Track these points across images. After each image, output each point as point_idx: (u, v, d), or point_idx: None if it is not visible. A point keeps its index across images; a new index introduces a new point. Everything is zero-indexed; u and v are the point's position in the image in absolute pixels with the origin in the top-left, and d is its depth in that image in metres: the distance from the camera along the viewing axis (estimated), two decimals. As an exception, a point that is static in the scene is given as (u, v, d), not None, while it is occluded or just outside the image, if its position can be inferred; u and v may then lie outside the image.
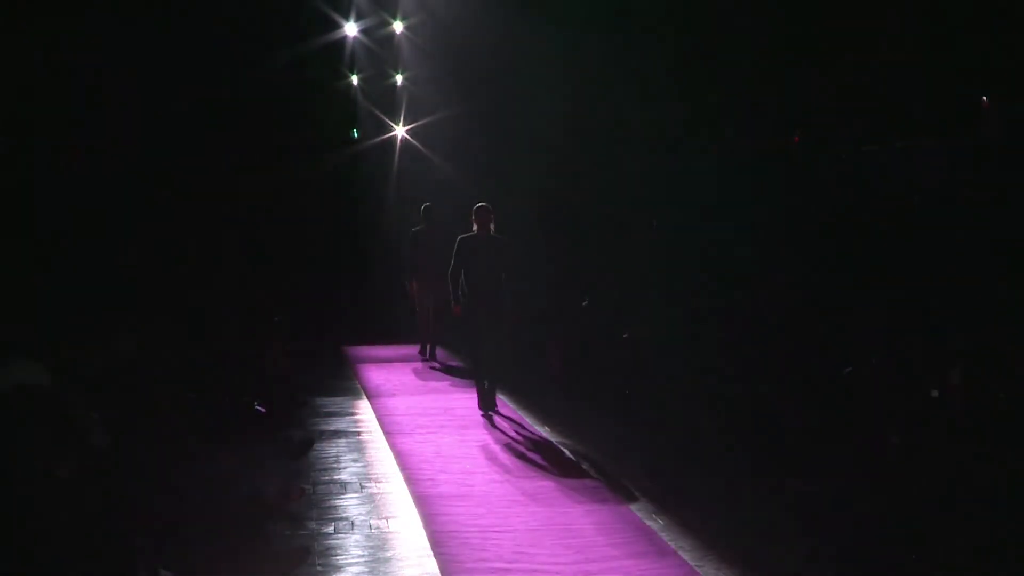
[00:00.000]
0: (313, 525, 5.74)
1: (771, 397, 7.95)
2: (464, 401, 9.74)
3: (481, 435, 8.25)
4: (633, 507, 6.04)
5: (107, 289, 8.32)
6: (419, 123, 16.59)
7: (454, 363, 12.20)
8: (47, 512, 4.18)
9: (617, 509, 6.04)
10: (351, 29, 15.97)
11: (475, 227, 9.11)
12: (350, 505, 6.15)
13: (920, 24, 8.56)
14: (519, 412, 9.13)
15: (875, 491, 6.05)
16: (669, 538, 5.44)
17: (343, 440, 8.08)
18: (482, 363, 9.22)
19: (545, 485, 6.59)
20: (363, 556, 5.20)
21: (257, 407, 8.76)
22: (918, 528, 5.39)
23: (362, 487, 6.59)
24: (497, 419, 8.88)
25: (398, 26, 16.01)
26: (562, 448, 7.67)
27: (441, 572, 4.97)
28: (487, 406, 9.12)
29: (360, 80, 17.09)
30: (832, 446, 6.91)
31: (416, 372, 11.72)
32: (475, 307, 9.02)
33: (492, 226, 9.12)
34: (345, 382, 11.31)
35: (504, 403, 9.53)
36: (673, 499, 6.14)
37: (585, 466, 7.08)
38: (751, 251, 9.70)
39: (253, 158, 13.63)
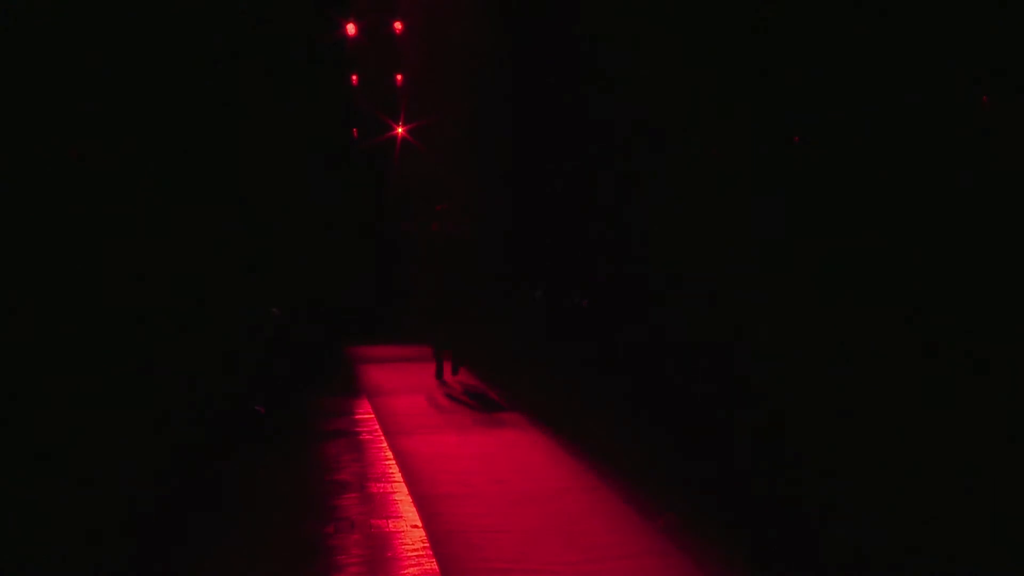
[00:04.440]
0: (313, 525, 5.73)
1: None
2: (465, 401, 9.77)
3: (481, 435, 8.25)
4: (633, 507, 6.03)
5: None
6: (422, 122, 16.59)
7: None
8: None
9: (618, 509, 6.03)
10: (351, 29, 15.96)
11: (434, 226, 10.68)
12: (350, 505, 6.15)
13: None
14: (520, 412, 9.13)
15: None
16: (670, 538, 5.44)
17: (343, 440, 8.08)
18: (440, 343, 10.92)
19: (545, 485, 6.59)
20: (363, 556, 5.19)
21: (256, 407, 8.78)
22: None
23: (362, 487, 6.58)
24: (497, 419, 8.89)
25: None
26: (563, 448, 7.67)
27: (441, 572, 4.97)
28: (452, 372, 10.87)
29: (360, 80, 17.10)
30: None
31: (416, 373, 11.71)
32: (437, 296, 10.71)
33: (451, 223, 10.68)
34: (345, 382, 11.32)
35: (505, 403, 9.55)
36: (674, 498, 6.13)
37: (586, 466, 7.08)
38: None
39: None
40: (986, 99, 7.75)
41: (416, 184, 16.22)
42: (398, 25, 16.11)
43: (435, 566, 5.04)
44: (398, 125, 17.02)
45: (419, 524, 5.72)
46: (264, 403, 9.14)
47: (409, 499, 6.25)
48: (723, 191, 10.58)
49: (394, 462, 7.25)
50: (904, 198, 8.23)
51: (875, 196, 8.45)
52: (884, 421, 6.92)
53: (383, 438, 8.11)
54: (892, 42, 8.29)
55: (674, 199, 11.44)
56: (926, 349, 7.31)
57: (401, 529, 5.66)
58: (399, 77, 17.09)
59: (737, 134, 10.49)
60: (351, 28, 15.95)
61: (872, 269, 8.36)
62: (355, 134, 18.77)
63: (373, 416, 9.08)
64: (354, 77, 17.40)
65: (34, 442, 6.29)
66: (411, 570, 5.01)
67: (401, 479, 6.75)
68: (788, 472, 6.54)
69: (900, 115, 8.20)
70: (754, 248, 9.86)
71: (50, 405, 6.73)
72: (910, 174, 8.17)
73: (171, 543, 5.48)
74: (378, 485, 6.64)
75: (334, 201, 17.37)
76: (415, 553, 5.23)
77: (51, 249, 7.53)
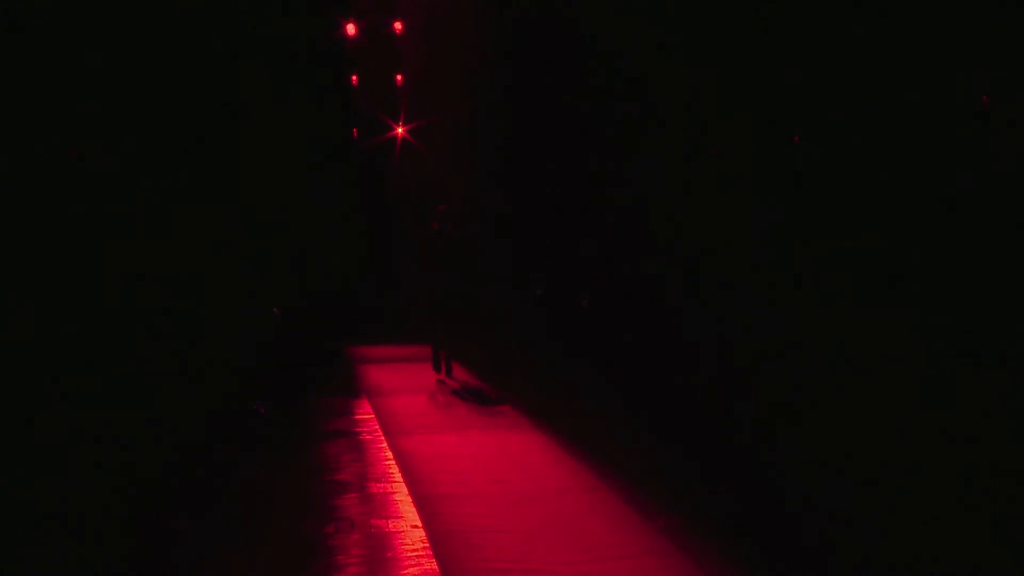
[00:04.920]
0: (313, 525, 5.73)
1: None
2: (465, 401, 9.77)
3: (481, 435, 8.25)
4: (633, 507, 6.03)
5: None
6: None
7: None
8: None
9: (617, 509, 6.03)
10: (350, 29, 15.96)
11: (435, 226, 10.82)
12: (350, 505, 6.15)
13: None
14: (520, 412, 9.13)
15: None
16: (670, 538, 5.44)
17: (343, 440, 8.08)
18: (440, 343, 11.08)
19: (545, 485, 6.59)
20: (363, 556, 5.19)
21: (256, 407, 8.78)
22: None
23: (362, 487, 6.58)
24: (497, 419, 8.89)
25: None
26: (562, 448, 7.67)
27: (441, 572, 4.97)
28: (446, 372, 11.05)
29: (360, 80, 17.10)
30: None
31: (416, 372, 11.71)
32: (436, 295, 10.88)
33: (451, 224, 10.86)
34: (345, 382, 11.32)
35: (505, 402, 9.56)
36: (674, 498, 6.14)
37: (585, 466, 7.08)
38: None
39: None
40: (986, 99, 7.75)
41: (416, 184, 16.22)
42: (398, 25, 16.11)
43: (435, 566, 5.04)
44: (398, 125, 17.03)
45: (419, 524, 5.72)
46: (264, 403, 9.13)
47: (409, 499, 6.25)
48: (723, 191, 10.58)
49: (394, 462, 7.25)
50: (904, 198, 8.23)
51: (875, 196, 8.45)
52: (884, 421, 6.92)
53: (383, 438, 8.11)
54: (892, 42, 8.29)
55: (674, 199, 11.45)
56: (926, 349, 7.32)
57: (401, 529, 5.66)
58: (399, 77, 17.10)
59: (737, 134, 10.49)
60: (351, 28, 15.94)
61: (872, 269, 8.37)
62: (355, 134, 18.77)
63: (373, 416, 9.08)
64: (354, 77, 17.40)
65: (34, 442, 6.29)
66: (411, 570, 5.01)
67: (401, 479, 6.75)
68: (788, 472, 6.54)
69: (900, 115, 8.20)
70: (754, 248, 9.87)
71: (50, 405, 6.73)
72: (910, 174, 8.17)
73: (171, 543, 5.48)
74: (378, 485, 6.64)
75: (334, 201, 17.37)
76: (415, 553, 5.24)
77: (51, 249, 7.52)
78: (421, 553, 5.23)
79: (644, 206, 12.27)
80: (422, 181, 15.97)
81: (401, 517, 5.89)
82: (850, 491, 6.06)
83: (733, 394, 8.55)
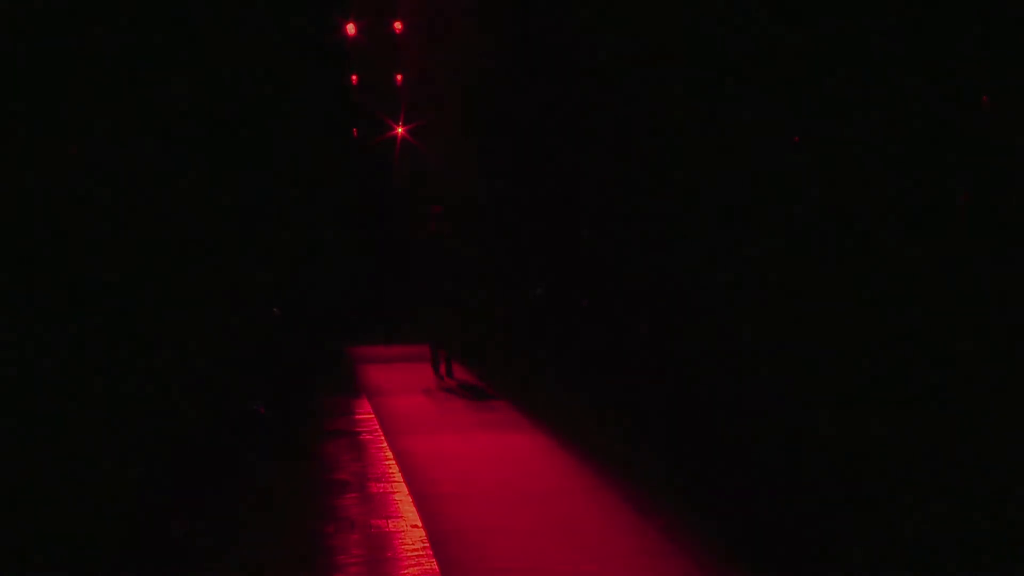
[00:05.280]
0: (313, 525, 5.74)
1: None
2: (465, 401, 9.78)
3: (481, 435, 8.25)
4: (633, 507, 6.03)
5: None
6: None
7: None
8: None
9: (617, 509, 6.03)
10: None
11: (432, 227, 11.00)
12: (350, 505, 6.15)
13: None
14: (520, 412, 9.14)
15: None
16: (670, 538, 5.44)
17: (343, 440, 8.08)
18: (438, 343, 11.19)
19: (545, 485, 6.59)
20: (363, 556, 5.19)
21: (256, 407, 8.78)
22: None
23: (362, 487, 6.58)
24: (497, 418, 8.90)
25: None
26: (563, 448, 7.67)
27: (441, 572, 4.97)
28: (446, 372, 11.13)
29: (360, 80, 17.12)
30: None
31: (416, 372, 11.72)
32: (435, 295, 10.96)
33: (448, 225, 11.10)
34: (345, 382, 11.33)
35: (505, 402, 9.56)
36: (674, 498, 6.14)
37: (586, 466, 7.08)
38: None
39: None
40: (986, 99, 7.75)
41: (416, 184, 16.23)
42: (398, 25, 16.12)
43: (435, 566, 5.04)
44: (398, 125, 17.04)
45: (419, 524, 5.72)
46: (264, 403, 9.14)
47: (409, 499, 6.25)
48: (723, 191, 10.58)
49: (394, 462, 7.25)
50: (904, 198, 8.23)
51: (876, 196, 8.45)
52: (883, 421, 6.93)
53: (383, 438, 8.11)
54: (892, 42, 8.29)
55: (673, 199, 11.45)
56: (926, 350, 7.32)
57: (401, 529, 5.66)
58: (399, 77, 17.12)
59: (737, 134, 10.49)
60: (351, 28, 15.95)
61: (872, 269, 8.37)
62: (355, 134, 18.79)
63: (373, 416, 9.09)
64: (354, 77, 17.42)
65: (34, 442, 6.29)
66: (411, 570, 5.01)
67: (401, 479, 6.76)
68: (787, 472, 6.54)
69: (900, 115, 8.20)
70: (754, 249, 9.87)
71: (50, 405, 6.73)
72: (910, 174, 8.17)
73: (172, 543, 5.48)
74: (378, 485, 6.64)
75: (334, 201, 17.37)
76: (415, 553, 5.24)
77: (51, 249, 7.53)
78: (421, 553, 5.23)
79: (644, 206, 12.27)
80: (422, 181, 15.98)
81: (401, 517, 5.89)
82: (850, 491, 6.06)
83: (733, 394, 8.55)
